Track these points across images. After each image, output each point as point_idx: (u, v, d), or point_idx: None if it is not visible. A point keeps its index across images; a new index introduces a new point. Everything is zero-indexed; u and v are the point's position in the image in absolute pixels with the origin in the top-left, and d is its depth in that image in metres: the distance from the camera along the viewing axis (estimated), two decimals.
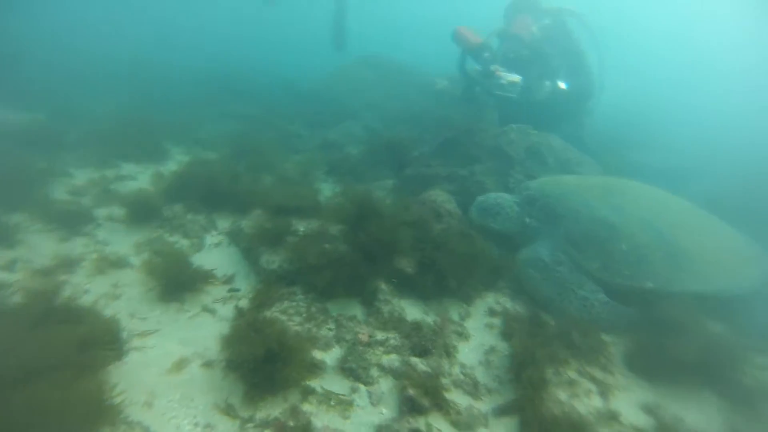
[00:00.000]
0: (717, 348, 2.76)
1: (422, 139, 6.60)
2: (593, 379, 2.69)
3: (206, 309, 3.05)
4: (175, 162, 5.91)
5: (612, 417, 2.41)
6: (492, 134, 5.48)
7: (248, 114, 8.81)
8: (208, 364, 2.52)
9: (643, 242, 3.44)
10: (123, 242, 3.73)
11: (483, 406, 2.45)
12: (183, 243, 3.89)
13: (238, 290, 3.28)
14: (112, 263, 3.38)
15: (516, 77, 5.34)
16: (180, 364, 2.50)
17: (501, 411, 2.40)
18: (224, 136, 7.35)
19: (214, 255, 3.76)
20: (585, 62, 6.15)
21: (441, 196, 4.29)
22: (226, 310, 3.03)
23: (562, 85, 5.77)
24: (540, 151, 5.16)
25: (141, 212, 4.06)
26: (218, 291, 3.26)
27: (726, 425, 2.30)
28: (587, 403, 2.51)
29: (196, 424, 2.13)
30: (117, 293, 3.07)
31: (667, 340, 2.86)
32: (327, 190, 5.39)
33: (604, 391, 2.63)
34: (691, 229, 3.69)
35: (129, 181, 4.96)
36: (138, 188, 4.63)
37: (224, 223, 4.23)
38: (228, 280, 3.39)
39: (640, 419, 2.45)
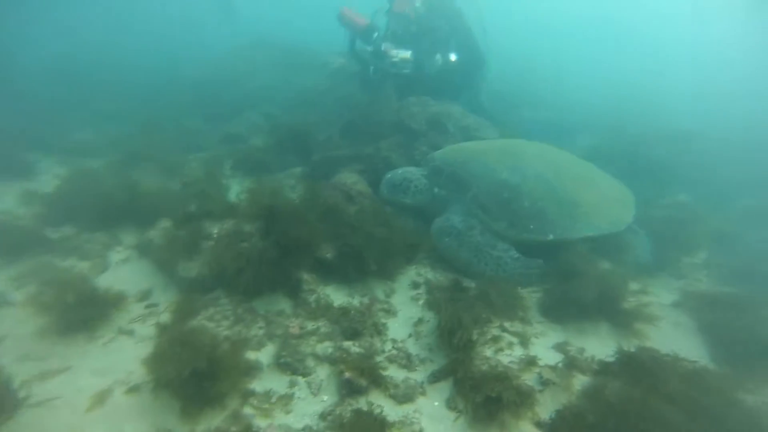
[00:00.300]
0: (607, 284, 3.14)
1: (325, 121, 6.56)
2: (514, 332, 2.94)
3: (123, 331, 2.87)
4: (48, 175, 5.32)
5: (531, 362, 2.65)
6: (393, 109, 5.60)
7: (133, 111, 8.06)
8: (134, 390, 2.40)
9: (540, 197, 3.76)
10: None
11: (418, 376, 2.59)
12: (82, 266, 3.58)
13: (156, 305, 3.11)
14: None
15: (406, 53, 5.46)
16: (100, 397, 2.34)
17: (435, 377, 2.56)
18: (108, 139, 6.70)
19: (124, 272, 3.53)
20: (471, 32, 6.38)
21: (351, 178, 4.34)
22: (147, 329, 2.87)
23: (452, 56, 5.98)
24: (440, 121, 5.36)
25: (14, 240, 3.59)
26: (134, 310, 3.07)
27: (615, 346, 2.63)
28: (510, 354, 2.74)
29: None
30: None
31: (570, 285, 3.20)
32: (236, 186, 5.20)
33: (524, 340, 2.88)
34: (577, 180, 4.08)
35: None
36: (2, 212, 4.11)
37: (129, 237, 3.95)
38: (144, 296, 3.20)
39: (553, 358, 2.74)
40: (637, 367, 2.16)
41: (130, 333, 2.87)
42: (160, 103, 8.72)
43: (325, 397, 2.40)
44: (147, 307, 3.12)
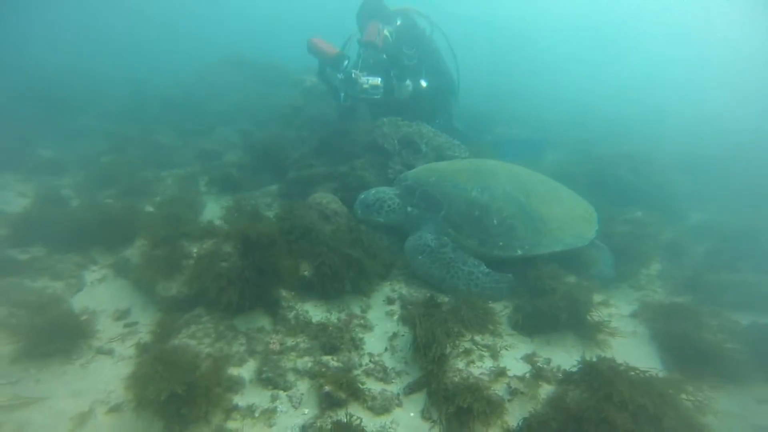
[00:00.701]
0: (573, 297, 3.34)
1: (299, 138, 6.67)
2: (484, 345, 3.09)
3: (101, 351, 2.90)
4: (11, 193, 5.25)
5: (501, 373, 2.80)
6: (366, 129, 5.76)
7: (105, 128, 7.97)
8: (115, 409, 2.44)
9: (509, 215, 3.96)
10: None
11: (394, 388, 2.71)
12: (55, 286, 3.56)
13: (135, 324, 3.14)
14: None
15: (376, 80, 5.59)
16: (80, 419, 2.36)
17: (410, 389, 2.69)
18: (79, 156, 6.64)
19: (100, 292, 3.55)
20: (441, 59, 6.60)
21: (326, 198, 4.45)
22: (126, 348, 2.91)
23: (423, 83, 6.18)
24: (413, 140, 5.53)
25: None
26: (113, 329, 3.09)
27: (579, 356, 2.77)
28: (481, 366, 2.88)
29: None
30: None
31: (539, 298, 3.41)
32: (211, 203, 5.24)
33: (494, 352, 3.03)
34: (543, 198, 4.29)
35: None
36: None
37: (105, 257, 3.94)
38: (122, 315, 3.23)
39: (522, 368, 2.90)
40: (595, 376, 2.35)
41: (109, 353, 2.90)
42: (132, 117, 8.65)
43: (306, 410, 2.50)
44: (126, 326, 3.15)
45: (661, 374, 2.51)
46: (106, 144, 7.19)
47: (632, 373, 2.32)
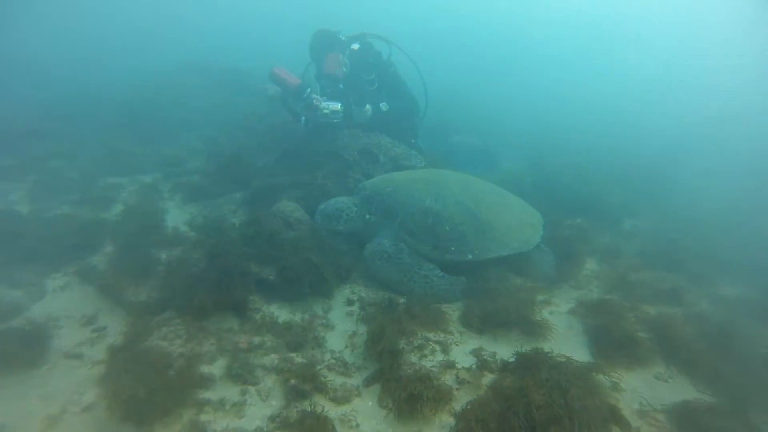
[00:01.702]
0: (518, 297, 3.72)
1: (263, 146, 6.82)
2: (437, 341, 3.38)
3: (69, 356, 2.98)
4: None
5: (450, 365, 3.10)
6: (327, 140, 6.00)
7: (58, 130, 7.71)
8: (87, 409, 2.53)
9: (460, 221, 4.28)
10: None
11: (354, 381, 2.96)
12: (13, 294, 3.59)
13: (104, 328, 3.25)
14: None
15: (336, 105, 5.81)
16: (51, 420, 2.43)
17: (368, 381, 2.95)
18: (21, 160, 6.43)
19: (63, 299, 3.60)
20: (401, 80, 6.82)
21: (289, 207, 4.68)
22: (96, 351, 3.01)
23: (383, 106, 6.41)
24: (371, 151, 5.83)
25: None
26: (80, 333, 3.19)
27: (520, 349, 3.08)
28: (433, 360, 3.18)
29: None
30: None
31: (488, 298, 3.75)
32: (175, 210, 5.32)
33: (445, 348, 3.33)
34: (493, 205, 4.65)
35: None
36: None
37: (68, 265, 3.98)
38: (89, 320, 3.33)
39: (469, 361, 3.20)
40: (526, 363, 2.70)
41: (77, 357, 2.98)
42: (86, 119, 8.40)
43: (274, 402, 2.71)
44: (94, 330, 3.25)
45: (585, 361, 2.90)
46: (61, 147, 7.02)
47: (557, 359, 2.68)
